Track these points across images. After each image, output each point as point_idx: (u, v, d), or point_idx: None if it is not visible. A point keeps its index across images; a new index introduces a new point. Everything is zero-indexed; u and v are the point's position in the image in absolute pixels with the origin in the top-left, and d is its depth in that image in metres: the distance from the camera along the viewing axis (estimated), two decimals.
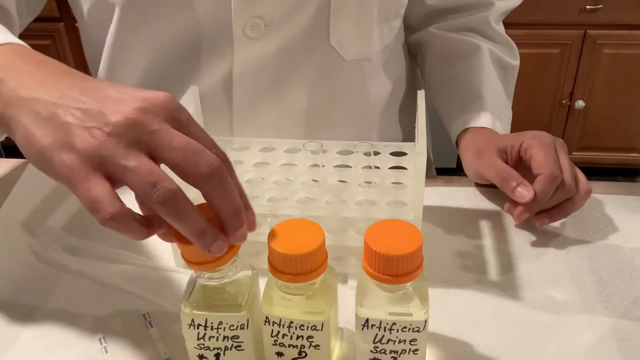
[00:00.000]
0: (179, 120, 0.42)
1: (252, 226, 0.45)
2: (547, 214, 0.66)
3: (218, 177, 0.40)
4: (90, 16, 0.76)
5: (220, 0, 0.68)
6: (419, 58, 0.89)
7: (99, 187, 0.39)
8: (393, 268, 0.43)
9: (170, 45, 0.72)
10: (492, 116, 0.76)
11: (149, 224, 0.42)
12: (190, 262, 0.45)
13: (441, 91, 0.84)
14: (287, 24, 0.70)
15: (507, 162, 0.68)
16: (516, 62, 0.86)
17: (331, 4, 0.70)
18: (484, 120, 0.76)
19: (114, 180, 0.40)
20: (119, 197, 0.40)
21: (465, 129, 0.76)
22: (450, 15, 0.85)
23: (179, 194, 0.40)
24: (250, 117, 0.76)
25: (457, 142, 0.77)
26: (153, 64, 0.74)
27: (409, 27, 0.87)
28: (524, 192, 0.63)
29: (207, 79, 0.74)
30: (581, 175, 0.67)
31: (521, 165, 0.67)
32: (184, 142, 0.40)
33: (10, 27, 0.71)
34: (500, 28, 0.86)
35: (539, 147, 0.65)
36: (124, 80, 0.77)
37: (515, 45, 0.86)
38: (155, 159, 0.41)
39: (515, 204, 0.65)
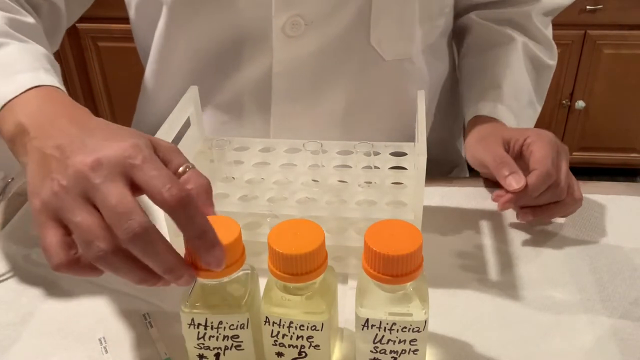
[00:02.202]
0: (130, 171, 0.43)
1: (213, 265, 0.43)
2: (531, 210, 0.66)
3: (139, 241, 0.41)
4: (139, 12, 0.77)
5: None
6: (456, 43, 0.88)
7: (50, 236, 0.43)
8: (393, 268, 0.43)
9: (213, 42, 0.73)
10: (506, 109, 0.75)
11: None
12: (196, 270, 0.45)
13: (467, 77, 0.83)
14: (328, 23, 0.70)
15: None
16: (552, 62, 0.84)
17: (372, 4, 0.69)
18: (496, 110, 0.75)
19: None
20: (69, 246, 0.43)
21: (477, 116, 0.76)
22: (493, 6, 0.83)
23: (110, 254, 0.41)
24: (288, 115, 0.76)
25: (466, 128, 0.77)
26: (196, 60, 0.75)
27: (455, 14, 0.86)
28: (514, 181, 0.63)
29: (247, 76, 0.74)
30: (576, 184, 0.67)
31: (521, 161, 0.67)
32: (115, 202, 0.41)
33: (58, 22, 0.74)
34: (543, 26, 0.83)
35: (541, 144, 0.65)
36: (169, 77, 0.78)
37: (555, 47, 0.85)
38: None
39: (504, 192, 0.65)
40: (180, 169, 0.47)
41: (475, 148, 0.71)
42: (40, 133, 0.48)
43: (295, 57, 0.72)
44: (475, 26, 0.83)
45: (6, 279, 0.62)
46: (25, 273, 0.63)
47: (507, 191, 0.64)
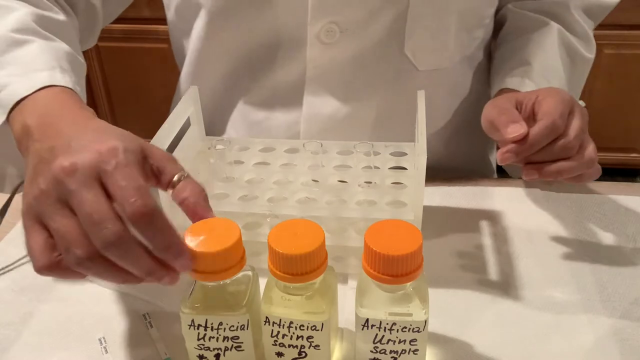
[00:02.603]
0: (103, 176, 0.43)
1: (183, 270, 0.44)
2: (537, 166, 0.61)
3: (114, 249, 0.41)
4: (177, 14, 0.78)
5: (299, 4, 0.68)
6: (493, 36, 0.86)
7: (33, 239, 0.43)
8: (393, 268, 0.43)
9: (249, 46, 0.73)
10: (535, 86, 0.71)
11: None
12: (196, 272, 0.45)
13: (498, 61, 0.80)
14: (362, 32, 0.70)
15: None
16: (590, 55, 0.80)
17: (408, 14, 0.69)
18: (522, 86, 0.72)
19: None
20: (51, 249, 0.43)
21: (502, 89, 0.73)
22: None
23: (86, 260, 0.41)
24: (318, 119, 0.76)
25: None
26: (232, 63, 0.76)
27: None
28: (515, 127, 0.59)
29: (280, 80, 0.74)
30: (591, 146, 0.62)
31: (533, 121, 0.62)
32: (89, 210, 0.41)
33: (94, 20, 0.75)
34: (582, 19, 0.80)
35: (552, 99, 0.62)
36: (204, 79, 0.79)
37: (593, 41, 0.81)
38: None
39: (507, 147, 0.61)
40: (175, 178, 0.46)
41: (486, 109, 0.66)
42: (41, 135, 0.48)
43: (329, 63, 0.72)
44: (511, 15, 0.81)
45: (6, 272, 0.62)
46: (25, 273, 0.63)
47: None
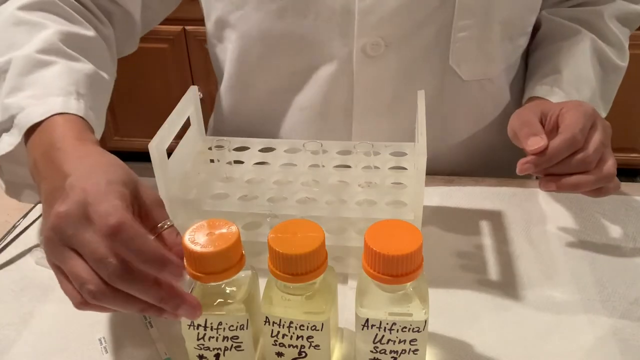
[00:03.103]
0: (88, 205, 0.45)
1: (176, 277, 0.45)
2: (555, 178, 0.61)
3: (122, 281, 0.43)
4: (212, 33, 0.78)
5: (345, 20, 0.69)
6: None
7: (62, 283, 0.46)
8: (393, 268, 0.43)
9: (291, 67, 0.75)
10: (565, 95, 0.72)
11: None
12: (196, 272, 0.45)
13: (530, 68, 0.80)
14: (407, 45, 0.70)
15: (543, 127, 0.64)
16: (622, 64, 0.80)
17: (453, 25, 0.69)
18: (551, 94, 0.72)
19: None
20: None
21: (531, 97, 0.73)
22: (566, 4, 0.81)
23: (100, 294, 0.44)
24: (367, 131, 0.76)
25: None
26: (274, 83, 0.77)
27: None
28: (535, 140, 0.60)
29: (330, 91, 0.74)
30: (610, 159, 0.62)
31: (556, 133, 0.63)
32: (89, 251, 0.44)
33: (132, 30, 0.75)
34: (616, 28, 0.79)
35: (575, 112, 0.62)
36: (245, 96, 0.80)
37: (627, 50, 0.81)
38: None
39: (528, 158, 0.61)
40: (159, 225, 0.48)
41: (512, 120, 0.67)
42: (46, 173, 0.51)
43: (375, 76, 0.72)
44: (545, 22, 0.81)
45: (6, 272, 0.62)
46: (25, 273, 0.63)
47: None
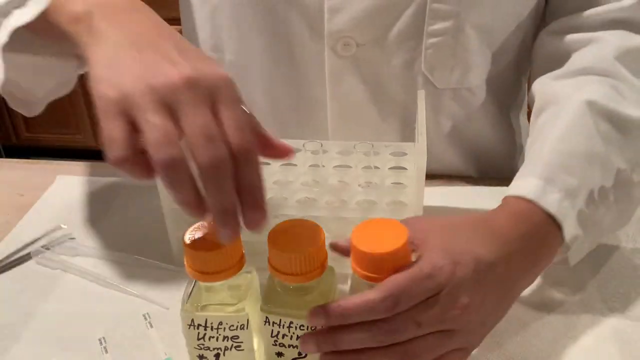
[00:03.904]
0: (218, 100, 0.42)
1: (252, 226, 0.42)
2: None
3: (214, 170, 0.40)
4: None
5: (315, 17, 0.68)
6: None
7: (116, 128, 0.41)
8: (379, 267, 0.44)
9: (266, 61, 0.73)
10: (537, 194, 0.54)
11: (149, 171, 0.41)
12: (196, 272, 0.45)
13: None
14: (379, 47, 0.69)
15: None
16: None
17: (424, 30, 0.67)
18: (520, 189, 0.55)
19: (136, 129, 0.41)
20: (134, 141, 0.41)
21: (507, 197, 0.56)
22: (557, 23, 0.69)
23: (178, 163, 0.39)
24: (343, 131, 0.75)
25: None
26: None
27: None
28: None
29: (307, 89, 0.74)
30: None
31: None
32: (203, 124, 0.40)
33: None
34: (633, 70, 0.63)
35: (430, 255, 0.46)
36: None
37: None
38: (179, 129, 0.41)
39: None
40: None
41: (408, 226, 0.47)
42: (116, 21, 0.46)
43: (347, 75, 0.71)
44: (535, 62, 0.72)
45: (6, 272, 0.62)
46: (25, 273, 0.63)
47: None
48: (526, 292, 0.59)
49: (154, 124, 0.40)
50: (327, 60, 0.70)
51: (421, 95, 0.63)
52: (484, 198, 0.72)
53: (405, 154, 0.66)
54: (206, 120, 0.40)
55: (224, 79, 0.42)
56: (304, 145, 0.64)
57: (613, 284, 0.60)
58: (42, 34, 0.53)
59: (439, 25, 0.67)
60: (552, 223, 0.52)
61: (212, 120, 0.40)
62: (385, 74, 0.71)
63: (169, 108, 0.40)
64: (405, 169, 0.65)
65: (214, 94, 0.41)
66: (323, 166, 0.64)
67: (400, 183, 0.63)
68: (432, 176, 0.74)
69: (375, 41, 0.69)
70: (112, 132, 0.41)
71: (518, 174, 0.57)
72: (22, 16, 0.52)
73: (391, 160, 0.65)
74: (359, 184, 0.62)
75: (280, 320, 0.47)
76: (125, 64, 0.43)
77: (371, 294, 0.43)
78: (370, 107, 0.74)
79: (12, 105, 0.62)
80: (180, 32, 0.74)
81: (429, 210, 0.69)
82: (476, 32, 0.68)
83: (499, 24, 0.70)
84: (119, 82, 0.42)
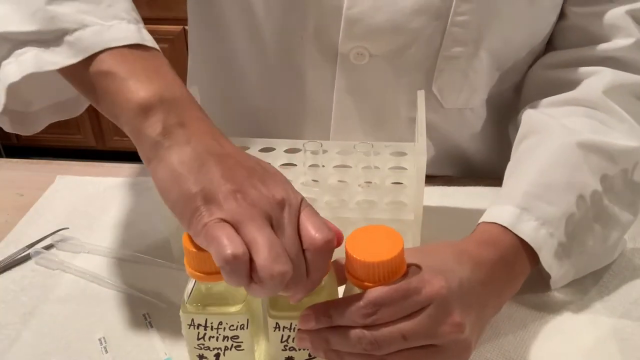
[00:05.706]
0: (279, 217, 0.43)
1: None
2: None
3: (270, 285, 0.41)
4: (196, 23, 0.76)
5: (331, 22, 0.67)
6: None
7: (225, 230, 0.41)
8: (372, 275, 0.44)
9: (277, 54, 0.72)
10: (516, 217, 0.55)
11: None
12: (196, 272, 0.45)
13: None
14: (392, 61, 0.69)
15: None
16: (633, 144, 0.60)
17: (440, 52, 0.67)
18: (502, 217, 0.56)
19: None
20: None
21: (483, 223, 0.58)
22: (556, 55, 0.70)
23: (240, 264, 0.40)
24: (345, 139, 0.74)
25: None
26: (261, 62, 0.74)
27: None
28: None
29: (310, 92, 0.73)
30: None
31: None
32: (264, 244, 0.41)
33: None
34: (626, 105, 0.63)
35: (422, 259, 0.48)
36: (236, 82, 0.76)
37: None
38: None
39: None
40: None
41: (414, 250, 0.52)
42: (195, 132, 0.46)
43: (357, 84, 0.71)
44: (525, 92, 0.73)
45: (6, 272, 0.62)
46: (25, 273, 0.63)
47: None
48: (526, 292, 0.59)
49: (263, 237, 0.41)
50: (338, 68, 0.70)
51: (421, 95, 0.63)
52: (484, 198, 0.73)
53: (405, 154, 0.66)
54: (265, 238, 0.41)
55: (280, 198, 0.44)
56: (304, 145, 0.64)
57: (613, 284, 0.60)
58: (72, 83, 0.50)
59: (456, 49, 0.67)
60: (522, 251, 0.54)
61: (296, 233, 0.43)
62: (393, 88, 0.71)
63: (269, 221, 0.43)
64: (405, 169, 0.65)
65: (274, 211, 0.43)
66: (323, 166, 0.64)
67: (400, 183, 0.63)
68: (432, 176, 0.74)
69: (388, 55, 0.69)
70: (219, 237, 0.41)
71: (495, 201, 0.58)
72: (40, 62, 0.48)
73: (391, 160, 0.65)
74: (358, 184, 0.62)
75: (291, 324, 0.46)
76: (214, 179, 0.43)
77: (353, 298, 0.44)
78: (374, 120, 0.74)
79: (7, 127, 0.55)
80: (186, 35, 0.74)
81: (429, 210, 0.69)
82: (489, 55, 0.68)
83: (512, 48, 0.70)
84: (214, 199, 0.43)
